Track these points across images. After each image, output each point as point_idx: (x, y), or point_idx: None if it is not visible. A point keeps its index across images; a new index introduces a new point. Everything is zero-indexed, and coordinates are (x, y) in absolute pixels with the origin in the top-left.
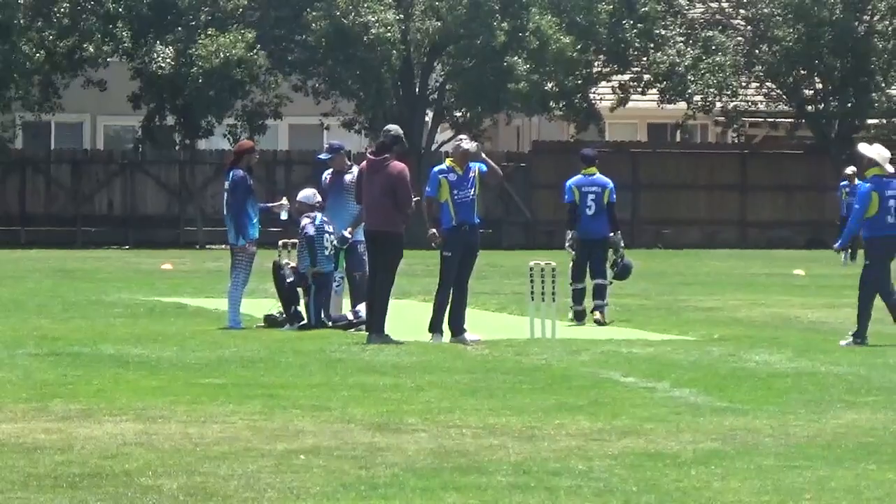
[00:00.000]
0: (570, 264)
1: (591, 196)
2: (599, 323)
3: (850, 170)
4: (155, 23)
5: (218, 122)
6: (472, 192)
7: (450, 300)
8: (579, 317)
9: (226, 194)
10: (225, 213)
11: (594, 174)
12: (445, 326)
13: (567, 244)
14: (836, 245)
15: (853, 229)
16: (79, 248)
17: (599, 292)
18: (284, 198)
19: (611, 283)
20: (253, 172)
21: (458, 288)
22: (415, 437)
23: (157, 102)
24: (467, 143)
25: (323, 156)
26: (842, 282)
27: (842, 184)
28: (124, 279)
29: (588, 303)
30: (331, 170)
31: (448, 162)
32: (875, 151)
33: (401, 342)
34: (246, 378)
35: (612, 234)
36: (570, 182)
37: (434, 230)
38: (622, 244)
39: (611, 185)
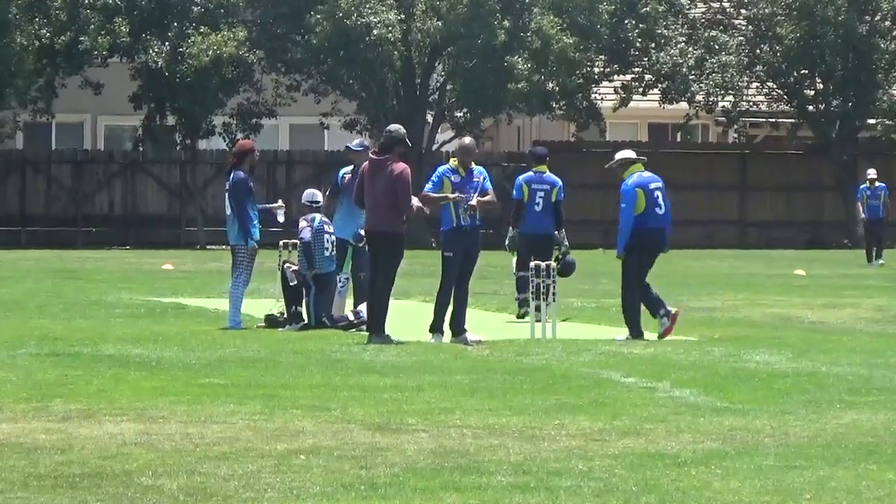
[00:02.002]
0: (514, 259)
1: (539, 193)
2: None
3: (871, 173)
4: (155, 20)
5: (209, 121)
6: (473, 196)
7: (451, 301)
8: (523, 304)
9: (227, 195)
10: (227, 213)
11: (544, 172)
12: (446, 327)
13: (507, 242)
14: (618, 252)
15: (626, 230)
16: (79, 249)
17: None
18: (280, 200)
19: (554, 280)
20: (254, 172)
21: (459, 289)
22: (415, 437)
23: (157, 102)
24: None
25: (354, 146)
26: (842, 282)
27: (861, 186)
28: (125, 279)
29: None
30: (349, 168)
31: (452, 163)
32: (626, 152)
33: (401, 342)
34: (246, 378)
35: (556, 232)
36: (520, 178)
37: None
38: (566, 241)
39: (559, 183)
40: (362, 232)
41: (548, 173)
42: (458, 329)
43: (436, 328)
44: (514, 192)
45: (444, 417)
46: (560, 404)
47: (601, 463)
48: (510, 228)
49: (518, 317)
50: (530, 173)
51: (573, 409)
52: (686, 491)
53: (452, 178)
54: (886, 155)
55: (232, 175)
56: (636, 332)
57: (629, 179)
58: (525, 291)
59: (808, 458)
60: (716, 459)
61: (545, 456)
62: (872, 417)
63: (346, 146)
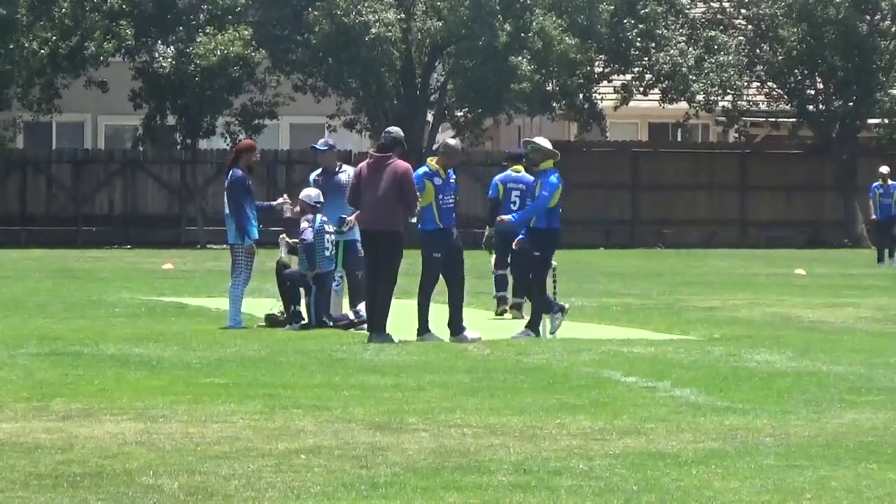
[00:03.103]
0: (492, 258)
1: (515, 192)
2: (517, 317)
3: (884, 169)
4: (157, 21)
5: (214, 121)
6: (453, 198)
7: (430, 302)
8: (501, 301)
9: (225, 194)
10: (226, 212)
11: (520, 172)
12: (443, 327)
13: (484, 241)
14: (513, 223)
15: (536, 213)
16: (79, 248)
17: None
18: (285, 195)
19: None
20: (253, 171)
21: (453, 289)
22: (416, 436)
23: (158, 102)
24: None
25: (319, 145)
26: (842, 281)
27: (873, 185)
28: (125, 279)
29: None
30: (319, 169)
31: (431, 164)
32: (546, 141)
33: (402, 342)
34: (247, 378)
35: None
36: (496, 178)
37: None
38: None
39: None
40: (345, 217)
41: (523, 173)
42: (457, 329)
43: (423, 330)
44: (490, 190)
45: (445, 417)
46: (561, 404)
47: (602, 462)
48: (487, 227)
49: (496, 314)
50: (507, 172)
51: (574, 409)
52: (687, 490)
53: (435, 181)
54: (888, 155)
55: (230, 173)
56: (549, 307)
57: (555, 174)
58: (503, 290)
59: (809, 458)
60: (716, 459)
61: (546, 455)
62: (873, 417)
63: (312, 146)
